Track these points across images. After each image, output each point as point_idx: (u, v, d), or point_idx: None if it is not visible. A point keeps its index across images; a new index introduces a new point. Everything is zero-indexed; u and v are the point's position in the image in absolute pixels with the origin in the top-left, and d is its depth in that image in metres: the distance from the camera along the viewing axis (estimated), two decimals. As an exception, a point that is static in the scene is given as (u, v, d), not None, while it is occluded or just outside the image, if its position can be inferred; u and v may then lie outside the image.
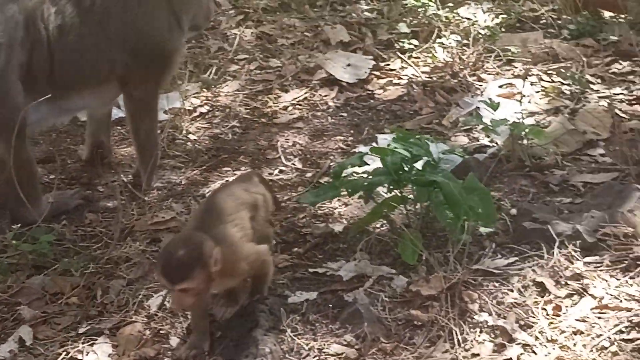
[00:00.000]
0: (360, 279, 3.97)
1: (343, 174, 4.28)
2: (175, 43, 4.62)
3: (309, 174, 4.96)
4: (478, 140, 5.15)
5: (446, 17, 6.42)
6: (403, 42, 6.22)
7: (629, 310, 3.63)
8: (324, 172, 4.95)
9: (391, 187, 4.17)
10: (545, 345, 3.49)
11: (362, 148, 5.02)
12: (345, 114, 5.55)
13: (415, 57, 6.14)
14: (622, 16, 6.28)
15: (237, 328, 3.65)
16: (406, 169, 4.13)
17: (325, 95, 5.73)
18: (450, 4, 6.66)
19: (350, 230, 4.30)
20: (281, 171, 5.00)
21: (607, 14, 6.41)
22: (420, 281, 3.86)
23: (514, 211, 4.36)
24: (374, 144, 5.05)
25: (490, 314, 3.68)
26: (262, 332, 3.61)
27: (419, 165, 4.14)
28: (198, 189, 4.82)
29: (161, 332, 3.76)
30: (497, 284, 3.85)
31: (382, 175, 4.14)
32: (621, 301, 3.69)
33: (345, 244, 4.27)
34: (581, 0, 6.36)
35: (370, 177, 4.19)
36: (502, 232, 4.21)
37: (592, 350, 3.45)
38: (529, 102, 5.47)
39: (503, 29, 6.42)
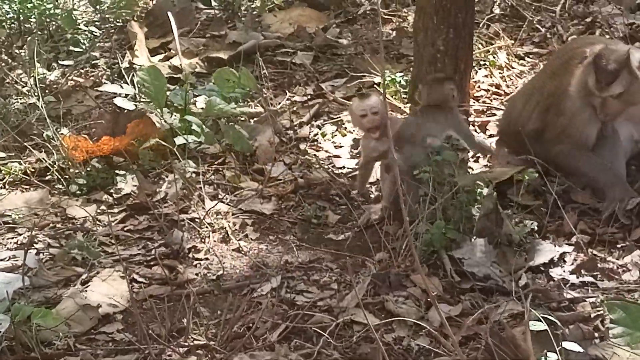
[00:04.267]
0: None
1: None
2: None
3: None
4: (-27, 329, 4.69)
5: None
6: None
7: None
8: None
9: None
10: None
11: None
12: None
13: None
14: (136, 164, 6.15)
15: None
16: None
17: None
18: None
19: None
20: None
21: (119, 162, 6.25)
22: None
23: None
24: None
25: None
26: None
27: None
28: None
29: None
30: None
31: None
32: None
33: None
34: (90, 151, 6.14)
35: None
36: None
37: None
38: (28, 274, 5.11)
39: (6, 188, 6.06)
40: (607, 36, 7.47)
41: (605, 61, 5.28)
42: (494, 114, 6.71)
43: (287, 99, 7.30)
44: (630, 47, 5.46)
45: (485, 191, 5.12)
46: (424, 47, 6.67)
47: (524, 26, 7.93)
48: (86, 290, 4.97)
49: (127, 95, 6.79)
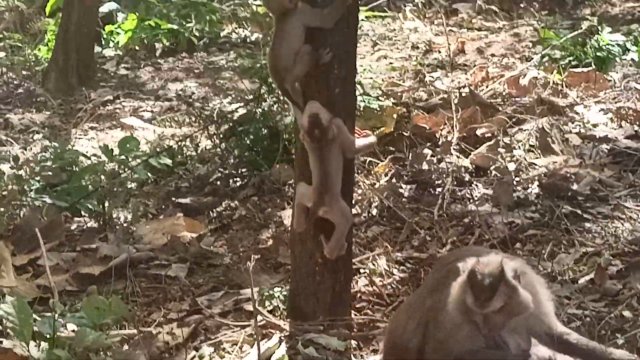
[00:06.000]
0: None
1: None
2: None
3: None
4: None
5: None
6: None
7: None
8: None
9: None
10: None
11: None
12: None
13: None
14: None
15: None
16: None
17: None
18: None
19: None
20: None
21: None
22: None
23: None
24: None
25: None
26: None
27: None
28: None
29: None
30: None
31: None
32: None
33: None
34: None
35: None
36: None
37: None
38: None
39: None
40: (487, 236, 7.52)
41: (480, 277, 5.28)
42: (378, 327, 6.63)
43: (163, 316, 7.11)
44: (502, 258, 5.48)
45: None
46: (301, 259, 6.64)
47: (403, 229, 7.94)
48: None
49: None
